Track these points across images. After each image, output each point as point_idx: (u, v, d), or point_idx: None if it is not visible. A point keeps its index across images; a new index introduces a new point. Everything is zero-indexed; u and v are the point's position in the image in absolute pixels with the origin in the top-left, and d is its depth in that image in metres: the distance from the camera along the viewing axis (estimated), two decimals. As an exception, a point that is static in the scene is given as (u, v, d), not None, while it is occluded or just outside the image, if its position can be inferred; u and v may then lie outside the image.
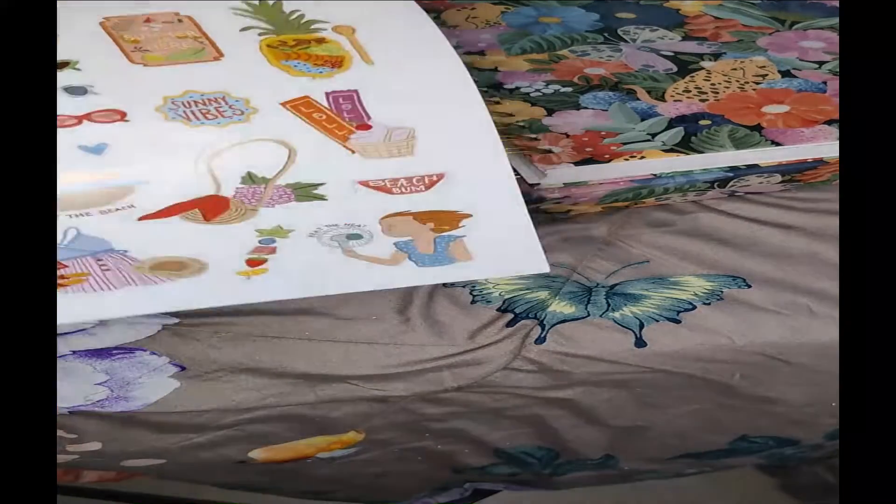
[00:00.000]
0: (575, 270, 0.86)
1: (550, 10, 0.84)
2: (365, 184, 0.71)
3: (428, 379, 0.86)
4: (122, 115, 0.67)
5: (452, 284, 0.85)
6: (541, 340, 0.85)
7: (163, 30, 0.69)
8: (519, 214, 0.73)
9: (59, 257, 0.71)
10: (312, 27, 0.70)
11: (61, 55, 0.68)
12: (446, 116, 0.70)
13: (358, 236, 0.73)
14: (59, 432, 0.86)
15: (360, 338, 0.85)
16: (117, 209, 0.69)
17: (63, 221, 0.69)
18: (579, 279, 0.86)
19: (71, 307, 0.72)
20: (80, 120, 0.67)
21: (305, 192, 0.70)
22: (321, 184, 0.70)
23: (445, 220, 0.74)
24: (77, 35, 0.68)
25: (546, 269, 0.76)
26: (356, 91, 0.69)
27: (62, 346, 0.81)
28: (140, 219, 0.70)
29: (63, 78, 0.68)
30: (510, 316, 0.85)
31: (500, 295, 0.85)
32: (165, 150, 0.68)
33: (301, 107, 0.69)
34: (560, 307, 0.85)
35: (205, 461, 0.93)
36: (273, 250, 0.73)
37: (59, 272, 0.71)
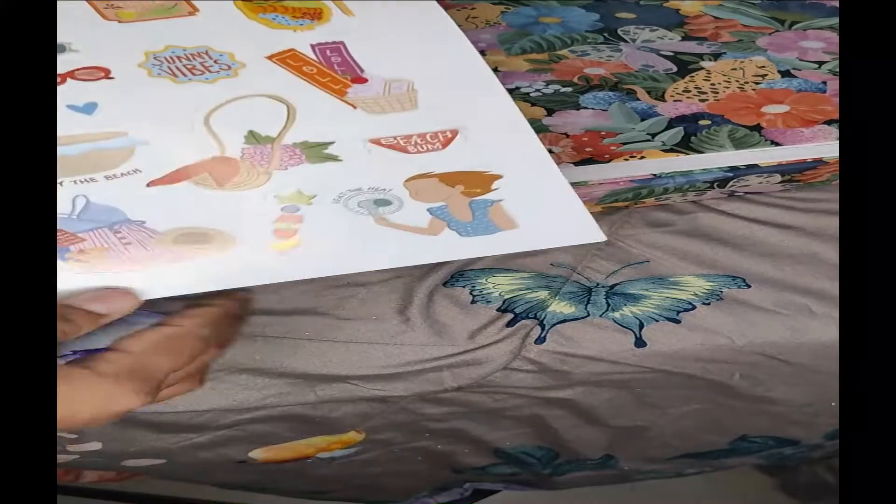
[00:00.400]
0: (575, 270, 0.86)
1: (550, 10, 0.84)
2: (377, 142, 0.67)
3: (428, 379, 0.86)
4: (107, 73, 0.64)
5: (452, 284, 0.85)
6: (541, 340, 0.85)
7: None
8: (553, 175, 0.68)
9: (73, 229, 0.68)
10: None
11: None
12: (443, 66, 0.65)
13: (387, 202, 0.70)
14: (60, 432, 0.86)
15: (360, 338, 0.85)
16: (123, 174, 0.67)
17: (69, 189, 0.66)
18: (579, 279, 0.85)
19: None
20: (63, 78, 0.63)
21: (316, 152, 0.67)
22: (331, 143, 0.67)
23: (476, 183, 0.69)
24: None
25: (602, 237, 0.72)
26: (342, 42, 0.64)
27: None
28: (149, 184, 0.67)
29: None
30: (510, 316, 0.85)
31: (499, 295, 0.85)
32: (159, 109, 0.65)
33: (289, 60, 0.64)
34: (560, 307, 0.85)
35: (205, 461, 0.93)
36: (300, 219, 0.70)
37: (77, 246, 0.69)
